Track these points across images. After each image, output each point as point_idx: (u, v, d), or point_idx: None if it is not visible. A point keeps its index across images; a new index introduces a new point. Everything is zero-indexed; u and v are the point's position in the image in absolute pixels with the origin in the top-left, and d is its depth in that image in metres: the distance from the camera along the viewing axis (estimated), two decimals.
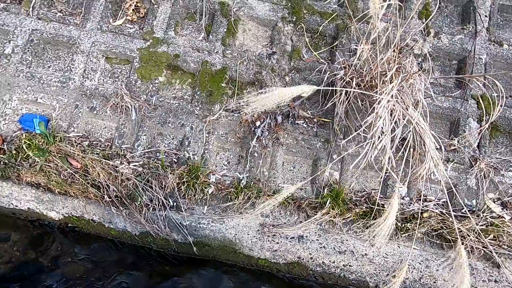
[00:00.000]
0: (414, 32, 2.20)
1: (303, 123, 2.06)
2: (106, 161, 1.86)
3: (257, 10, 2.22)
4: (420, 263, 1.80)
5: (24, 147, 1.83)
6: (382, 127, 1.60)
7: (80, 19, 2.13)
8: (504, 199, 1.99)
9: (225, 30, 2.17)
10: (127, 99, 1.94)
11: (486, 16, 2.26)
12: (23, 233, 2.07)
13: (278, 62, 2.14)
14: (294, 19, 2.21)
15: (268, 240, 1.81)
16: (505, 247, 1.83)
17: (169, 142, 1.99)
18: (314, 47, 2.21)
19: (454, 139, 2.05)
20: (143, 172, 1.87)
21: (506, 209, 1.97)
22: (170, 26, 2.16)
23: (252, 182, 1.91)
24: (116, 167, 1.86)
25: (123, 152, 1.92)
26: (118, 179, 1.85)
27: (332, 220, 1.89)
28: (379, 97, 1.58)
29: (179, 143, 1.99)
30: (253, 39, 2.23)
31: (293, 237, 1.82)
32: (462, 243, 1.82)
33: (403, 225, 1.86)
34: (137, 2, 2.14)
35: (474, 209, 1.94)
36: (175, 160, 1.93)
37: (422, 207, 1.90)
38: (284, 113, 2.04)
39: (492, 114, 2.01)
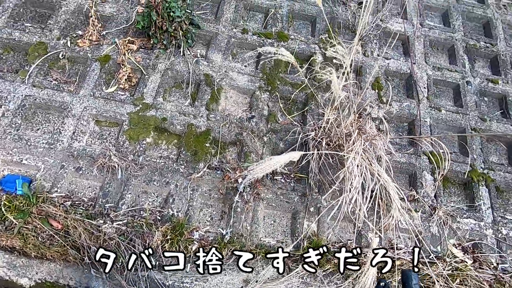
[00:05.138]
0: (370, 100, 2.40)
1: (281, 178, 2.05)
2: (88, 220, 1.68)
3: (237, 81, 2.33)
4: None
5: (3, 210, 1.64)
6: (352, 182, 1.63)
7: (74, 87, 2.10)
8: (463, 244, 2.01)
9: (209, 97, 2.23)
10: (115, 159, 1.85)
11: (425, 87, 2.53)
12: None
13: (257, 125, 2.19)
14: (269, 89, 2.34)
15: None
16: None
17: (154, 200, 1.88)
18: (288, 111, 2.31)
19: (413, 191, 2.12)
20: (127, 230, 1.70)
21: (467, 254, 1.98)
22: (159, 93, 2.19)
23: (235, 237, 1.80)
24: (99, 226, 1.69)
25: (107, 211, 1.76)
26: (101, 239, 1.66)
27: (313, 274, 1.78)
28: (347, 155, 1.64)
29: (163, 200, 1.88)
30: (234, 104, 2.30)
31: None
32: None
33: (378, 274, 1.79)
34: (129, 73, 2.19)
35: (440, 255, 1.94)
36: (159, 218, 1.79)
37: (394, 255, 1.87)
38: None
39: (442, 168, 2.14)
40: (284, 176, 2.04)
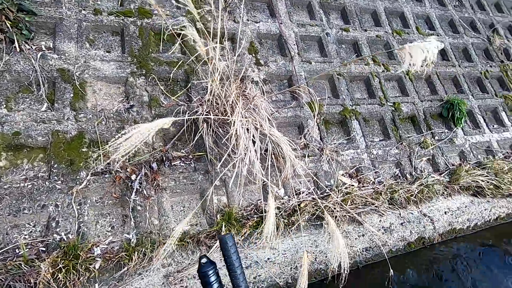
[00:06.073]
0: (249, 64, 2.43)
1: (180, 162, 1.94)
2: None
3: (103, 70, 2.01)
4: (311, 246, 1.91)
5: None
6: (243, 145, 1.65)
7: None
8: (349, 172, 2.35)
9: (71, 95, 1.87)
10: None
11: (294, 44, 2.71)
12: None
13: (139, 114, 1.97)
14: (143, 72, 2.11)
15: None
16: (360, 206, 2.13)
17: (31, 231, 1.53)
18: (170, 92, 2.15)
19: (303, 139, 2.32)
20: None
21: (353, 179, 2.33)
22: (0, 104, 1.73)
23: (144, 237, 1.66)
24: None
25: None
26: None
27: None
28: (231, 119, 1.63)
29: (44, 227, 1.56)
30: (106, 97, 2.00)
31: None
32: (331, 215, 2.04)
33: (289, 220, 1.94)
34: None
35: (333, 187, 2.22)
36: (44, 249, 1.49)
37: (299, 200, 2.05)
38: (158, 159, 1.88)
39: (319, 112, 2.39)
40: (183, 159, 1.94)
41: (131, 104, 1.97)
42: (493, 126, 3.11)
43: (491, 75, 3.43)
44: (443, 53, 3.32)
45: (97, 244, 1.58)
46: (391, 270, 1.86)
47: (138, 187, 1.71)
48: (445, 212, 2.32)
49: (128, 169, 1.75)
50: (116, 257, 1.55)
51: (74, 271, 1.44)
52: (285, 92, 2.44)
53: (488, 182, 2.55)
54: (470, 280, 2.08)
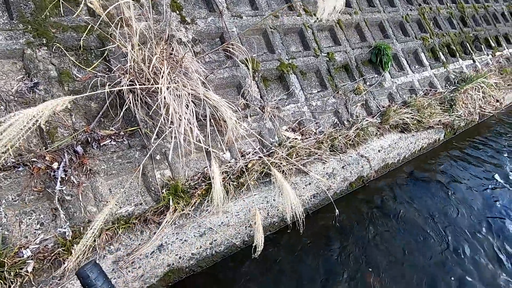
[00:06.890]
0: (170, 22, 2.18)
1: (110, 141, 1.74)
2: None
3: None
4: (262, 203, 1.95)
5: None
6: (177, 112, 1.52)
7: None
8: (291, 126, 2.38)
9: None
10: None
11: None
12: None
13: (48, 92, 1.67)
14: (44, 41, 1.74)
15: (129, 271, 1.51)
16: (304, 158, 2.21)
17: None
18: (85, 63, 1.84)
19: (243, 99, 2.24)
20: None
21: (296, 132, 2.38)
22: None
23: (82, 228, 1.51)
24: None
25: None
26: None
27: (184, 214, 1.76)
28: (158, 87, 1.47)
29: None
30: (0, 76, 1.64)
31: (153, 251, 1.59)
32: (278, 170, 2.08)
33: (238, 182, 1.93)
34: None
35: (279, 142, 2.24)
36: None
37: (246, 161, 2.03)
38: (83, 141, 1.65)
39: (257, 70, 2.31)
40: (114, 137, 1.74)
41: (35, 81, 1.65)
42: (414, 67, 3.38)
43: (411, 19, 3.64)
44: (369, 0, 3.38)
45: (25, 245, 1.39)
46: (337, 210, 2.02)
47: (63, 176, 1.50)
48: (379, 151, 2.54)
49: (46, 158, 1.51)
50: (52, 254, 1.39)
51: (1, 280, 1.26)
52: (219, 52, 2.27)
53: (412, 118, 2.82)
54: (403, 207, 2.37)
